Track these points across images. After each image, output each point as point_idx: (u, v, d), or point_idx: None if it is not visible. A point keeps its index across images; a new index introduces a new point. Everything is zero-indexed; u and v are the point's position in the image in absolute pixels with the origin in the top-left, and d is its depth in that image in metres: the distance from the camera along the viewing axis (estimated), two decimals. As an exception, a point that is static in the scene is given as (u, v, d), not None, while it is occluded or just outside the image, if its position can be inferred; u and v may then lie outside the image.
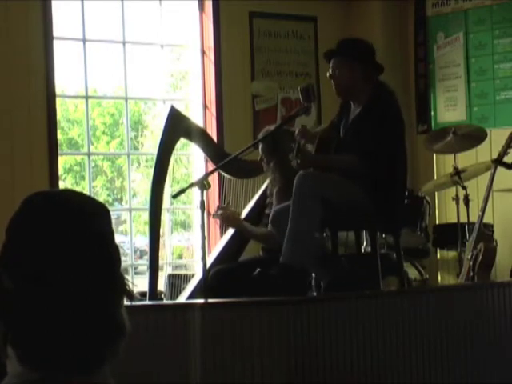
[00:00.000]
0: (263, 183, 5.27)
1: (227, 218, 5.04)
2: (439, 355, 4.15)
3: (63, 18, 6.31)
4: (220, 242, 5.31)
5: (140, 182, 12.72)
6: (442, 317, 4.20)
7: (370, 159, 4.28)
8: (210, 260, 5.07)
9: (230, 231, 5.21)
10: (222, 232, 5.41)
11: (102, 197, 12.77)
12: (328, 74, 4.59)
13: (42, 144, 5.87)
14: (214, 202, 6.33)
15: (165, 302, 5.06)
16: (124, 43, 6.47)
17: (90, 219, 1.35)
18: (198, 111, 6.63)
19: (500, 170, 5.36)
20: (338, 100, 4.79)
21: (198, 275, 4.95)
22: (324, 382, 3.84)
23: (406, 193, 5.84)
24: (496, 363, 4.33)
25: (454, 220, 5.97)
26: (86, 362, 1.31)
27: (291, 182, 4.65)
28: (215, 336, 3.73)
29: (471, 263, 5.20)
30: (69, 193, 1.43)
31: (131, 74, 6.87)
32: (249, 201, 5.29)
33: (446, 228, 6.39)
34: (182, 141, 5.11)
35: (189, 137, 5.00)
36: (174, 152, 4.97)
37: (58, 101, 6.29)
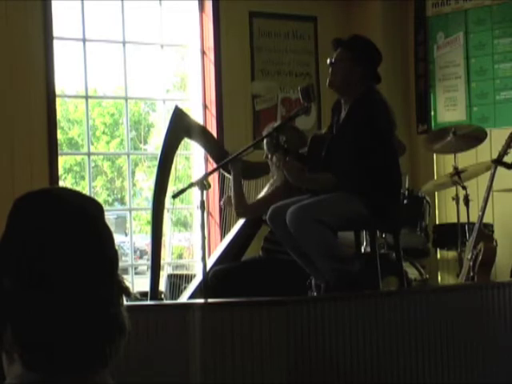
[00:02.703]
0: (266, 184, 5.26)
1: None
2: (439, 355, 4.15)
3: (63, 18, 6.31)
4: (221, 242, 5.31)
5: (142, 181, 12.72)
6: (442, 317, 4.20)
7: (345, 177, 4.26)
8: (211, 261, 5.06)
9: (232, 232, 5.21)
10: (223, 232, 5.41)
11: (101, 197, 12.78)
12: (328, 61, 4.46)
13: (42, 144, 5.87)
14: (214, 201, 6.33)
15: (165, 301, 5.06)
16: (124, 43, 6.47)
17: (89, 219, 1.35)
18: (198, 111, 6.62)
19: (500, 169, 5.35)
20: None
21: (199, 275, 4.94)
22: (324, 382, 3.84)
23: (406, 193, 5.86)
24: (496, 363, 4.32)
25: (454, 220, 5.96)
26: (87, 362, 1.31)
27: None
28: (215, 336, 3.73)
29: (471, 263, 5.20)
30: (66, 192, 1.42)
31: (131, 74, 6.87)
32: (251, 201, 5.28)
33: (445, 228, 6.38)
34: (185, 140, 5.09)
35: (190, 135, 4.99)
36: (178, 152, 4.96)
37: (58, 101, 6.29)
